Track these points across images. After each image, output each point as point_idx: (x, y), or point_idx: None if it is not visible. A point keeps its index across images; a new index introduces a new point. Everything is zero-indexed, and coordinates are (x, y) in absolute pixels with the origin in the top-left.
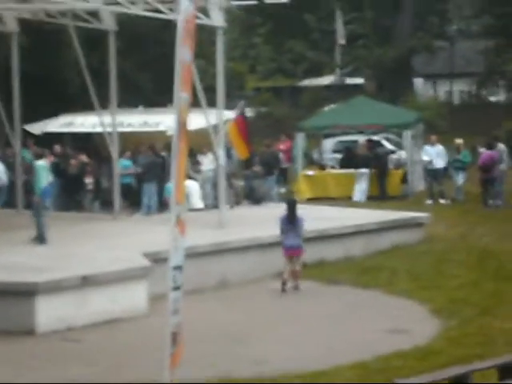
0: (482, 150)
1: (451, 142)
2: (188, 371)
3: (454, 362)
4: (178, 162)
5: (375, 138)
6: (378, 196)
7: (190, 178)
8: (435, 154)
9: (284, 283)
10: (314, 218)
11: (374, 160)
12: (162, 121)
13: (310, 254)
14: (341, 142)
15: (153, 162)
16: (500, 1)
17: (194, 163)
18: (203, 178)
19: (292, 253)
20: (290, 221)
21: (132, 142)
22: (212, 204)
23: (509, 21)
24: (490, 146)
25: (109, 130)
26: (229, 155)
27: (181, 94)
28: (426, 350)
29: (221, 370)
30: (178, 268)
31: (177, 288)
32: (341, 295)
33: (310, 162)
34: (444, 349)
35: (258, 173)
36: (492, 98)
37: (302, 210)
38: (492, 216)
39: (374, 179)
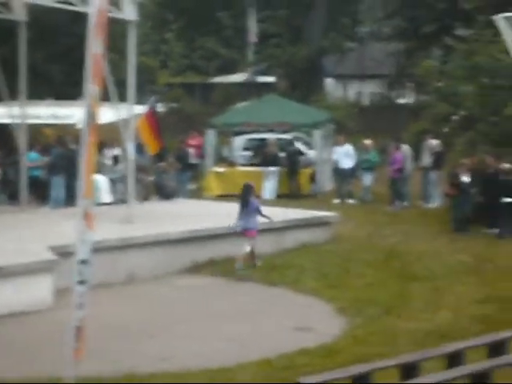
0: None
1: (360, 143)
2: (92, 366)
3: (358, 360)
4: (86, 155)
5: (286, 136)
6: (289, 194)
7: (99, 172)
8: (344, 154)
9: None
10: (223, 214)
11: (284, 158)
12: (72, 113)
13: (218, 250)
14: (251, 139)
15: (61, 155)
16: (411, 4)
17: (107, 157)
18: (113, 172)
19: (246, 234)
20: (244, 204)
21: (43, 135)
22: (120, 199)
23: (419, 23)
24: (398, 147)
25: (17, 121)
26: (140, 150)
27: (91, 86)
28: (331, 348)
29: (125, 366)
30: (85, 262)
31: (82, 282)
32: (247, 292)
33: (220, 159)
34: (348, 347)
35: (169, 168)
36: (401, 100)
37: (211, 207)
38: (398, 216)
39: (283, 177)
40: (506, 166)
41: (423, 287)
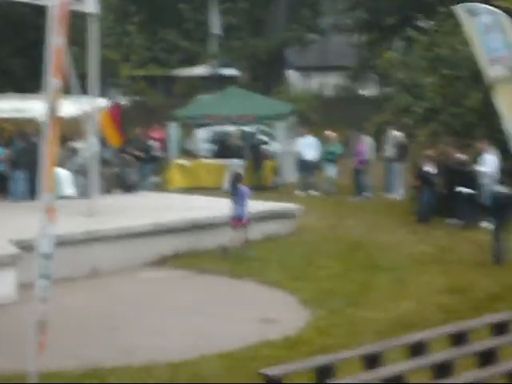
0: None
1: (323, 135)
2: (55, 360)
3: (322, 351)
4: (48, 149)
5: (249, 128)
6: (252, 186)
7: (62, 165)
8: (307, 146)
9: (225, 250)
10: (187, 207)
11: (248, 150)
12: (33, 107)
13: (182, 243)
14: (214, 132)
15: (23, 149)
16: None
17: (70, 151)
18: (76, 165)
19: (235, 222)
20: (233, 192)
21: (5, 130)
22: (83, 192)
23: (381, 15)
24: (361, 139)
25: None
26: (103, 143)
27: (53, 80)
28: (295, 339)
29: (88, 360)
30: (47, 256)
31: (45, 276)
32: (212, 284)
33: (183, 152)
34: (312, 338)
35: (131, 161)
36: (364, 92)
37: (174, 200)
38: (362, 208)
39: (247, 170)
40: (462, 156)
41: (386, 278)
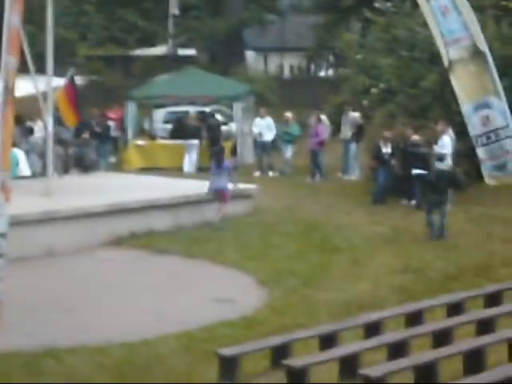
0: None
1: (281, 115)
2: (10, 340)
3: (278, 331)
4: (4, 128)
5: (207, 109)
6: (210, 167)
7: (17, 145)
8: (265, 127)
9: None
10: (144, 187)
11: (206, 131)
12: None
13: (139, 223)
14: (172, 112)
15: None
16: None
17: (26, 130)
18: (32, 145)
19: (220, 194)
20: (218, 166)
21: None
22: (39, 172)
23: None
24: (318, 120)
25: None
26: (60, 123)
27: (9, 58)
28: (252, 319)
29: (44, 339)
30: (2, 235)
31: (0, 255)
32: (168, 265)
33: (141, 132)
34: (269, 318)
35: (88, 141)
36: (321, 73)
37: (132, 180)
38: (318, 189)
39: (204, 150)
40: (418, 138)
41: (342, 259)
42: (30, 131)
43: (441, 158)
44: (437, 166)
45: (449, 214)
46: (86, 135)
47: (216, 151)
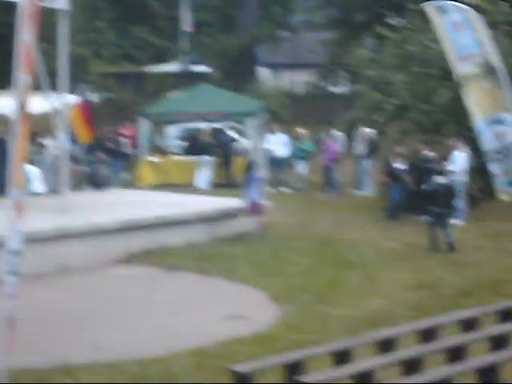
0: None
1: (294, 132)
2: (25, 357)
3: (292, 347)
4: (18, 145)
5: (219, 125)
6: (223, 183)
7: (31, 162)
8: (278, 143)
9: (263, 232)
10: (157, 204)
11: (218, 147)
12: (2, 103)
13: (152, 240)
14: (184, 129)
15: None
16: None
17: (39, 147)
18: (45, 162)
19: (254, 207)
20: (247, 179)
21: None
22: (53, 189)
23: (351, 13)
24: (330, 136)
25: None
26: (73, 140)
27: (22, 76)
28: (265, 336)
29: (58, 357)
30: (16, 252)
31: (14, 272)
32: (181, 281)
33: (154, 149)
34: (282, 335)
35: (102, 158)
36: (334, 89)
37: (145, 197)
38: (332, 205)
39: (217, 167)
40: (430, 153)
41: (356, 274)
42: (44, 148)
43: (440, 172)
44: (435, 179)
45: (462, 230)
46: (100, 154)
47: (247, 164)
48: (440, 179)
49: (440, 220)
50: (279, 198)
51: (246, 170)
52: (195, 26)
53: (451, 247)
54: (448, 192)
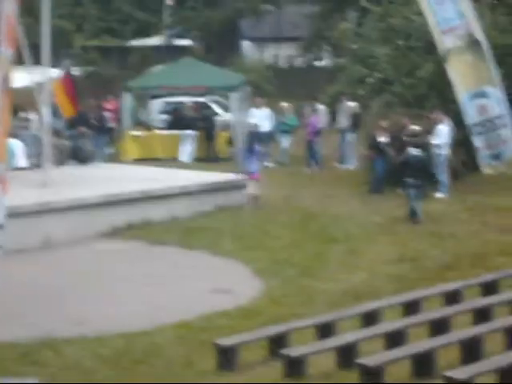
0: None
1: (278, 106)
2: (7, 330)
3: (276, 321)
4: (0, 119)
5: (202, 99)
6: (206, 158)
7: (14, 136)
8: (262, 117)
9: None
10: (140, 178)
11: (201, 122)
12: None
13: (135, 214)
14: (168, 103)
15: None
16: None
17: (23, 121)
18: (28, 136)
19: (253, 176)
20: (249, 150)
21: None
22: (36, 163)
23: None
24: (314, 110)
25: None
26: (56, 114)
27: (4, 49)
28: (249, 309)
29: (41, 330)
30: (0, 227)
31: None
32: (165, 255)
33: (137, 123)
34: (266, 308)
35: (84, 132)
36: (318, 63)
37: (128, 171)
38: (315, 179)
39: (201, 141)
40: (415, 127)
41: (339, 248)
42: (27, 122)
43: (422, 145)
44: (408, 151)
45: (444, 203)
46: (82, 129)
47: (248, 135)
48: (413, 151)
49: (414, 191)
50: (263, 173)
51: (246, 142)
52: (178, 0)
53: (415, 220)
54: (420, 164)
